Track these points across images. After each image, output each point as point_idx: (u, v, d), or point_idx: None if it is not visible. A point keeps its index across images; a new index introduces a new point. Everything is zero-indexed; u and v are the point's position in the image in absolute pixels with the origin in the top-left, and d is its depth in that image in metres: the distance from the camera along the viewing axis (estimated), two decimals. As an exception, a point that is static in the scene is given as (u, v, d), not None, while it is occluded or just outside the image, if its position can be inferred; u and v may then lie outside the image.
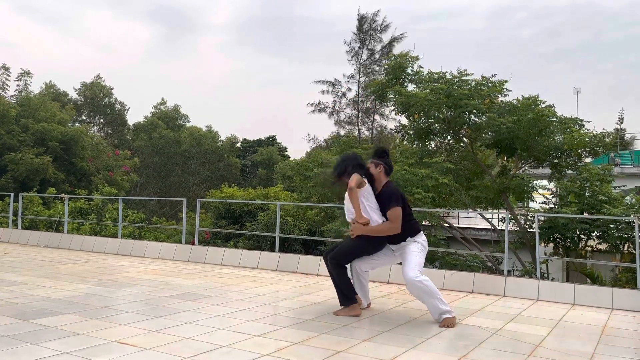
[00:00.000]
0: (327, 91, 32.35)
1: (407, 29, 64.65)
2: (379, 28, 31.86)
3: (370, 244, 5.04)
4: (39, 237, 11.19)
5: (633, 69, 70.45)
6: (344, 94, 32.26)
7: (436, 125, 11.18)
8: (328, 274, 7.42)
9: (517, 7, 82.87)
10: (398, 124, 13.09)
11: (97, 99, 40.33)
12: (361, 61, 31.76)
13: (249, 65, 78.75)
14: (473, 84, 10.90)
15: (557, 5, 78.57)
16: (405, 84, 11.66)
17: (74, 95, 40.23)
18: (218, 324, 4.58)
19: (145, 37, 78.03)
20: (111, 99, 41.22)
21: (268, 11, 77.06)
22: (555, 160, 10.94)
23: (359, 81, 31.65)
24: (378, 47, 31.85)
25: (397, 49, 30.35)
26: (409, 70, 11.58)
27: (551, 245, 10.25)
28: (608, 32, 76.91)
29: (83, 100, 40.41)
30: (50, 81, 38.69)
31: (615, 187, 11.08)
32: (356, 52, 31.83)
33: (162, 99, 42.60)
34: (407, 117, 11.44)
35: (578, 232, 9.82)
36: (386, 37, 31.90)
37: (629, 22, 75.10)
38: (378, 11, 32.11)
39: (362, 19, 31.92)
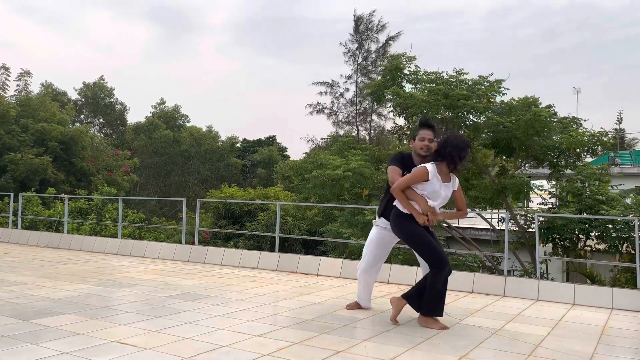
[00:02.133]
0: (325, 92, 32.40)
1: (405, 29, 64.46)
2: (375, 28, 31.90)
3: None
4: (39, 237, 11.19)
5: (632, 70, 70.54)
6: (341, 95, 32.31)
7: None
8: (329, 275, 7.47)
9: (514, 8, 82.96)
10: (395, 125, 13.09)
11: (97, 99, 40.35)
12: (358, 61, 31.78)
13: (247, 66, 78.82)
14: (470, 83, 10.91)
15: (555, 6, 78.65)
16: (403, 84, 11.66)
17: (73, 95, 40.28)
18: (218, 324, 4.58)
19: (144, 37, 78.08)
20: (111, 100, 41.24)
21: (266, 12, 77.10)
22: (554, 160, 10.95)
23: (356, 81, 31.69)
24: (375, 47, 31.90)
25: (394, 48, 30.43)
26: (406, 71, 11.59)
27: (550, 245, 10.27)
28: (607, 32, 77.01)
29: (84, 100, 40.42)
30: (46, 81, 38.71)
31: (612, 187, 11.10)
32: (353, 53, 31.86)
33: (162, 99, 42.63)
34: (406, 118, 11.45)
35: (577, 233, 9.84)
36: (383, 37, 31.96)
37: (627, 23, 75.18)
38: (374, 11, 32.17)
39: (358, 20, 31.94)
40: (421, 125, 4.92)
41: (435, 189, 4.59)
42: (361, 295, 5.32)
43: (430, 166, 4.60)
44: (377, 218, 5.16)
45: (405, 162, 4.86)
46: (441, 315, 4.64)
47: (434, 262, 4.53)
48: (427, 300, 4.60)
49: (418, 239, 4.61)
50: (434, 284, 4.55)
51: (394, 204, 4.74)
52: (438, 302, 4.59)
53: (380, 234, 5.06)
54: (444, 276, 4.56)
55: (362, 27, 31.84)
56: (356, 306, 5.33)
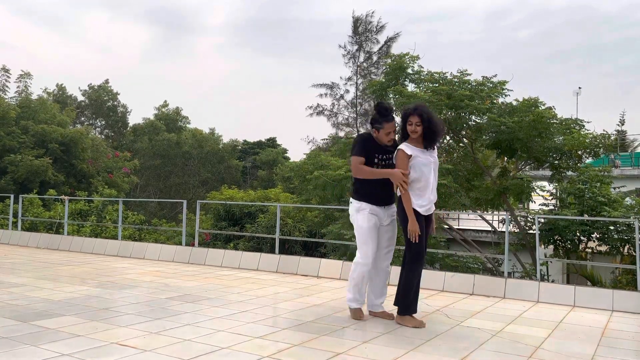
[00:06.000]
0: (326, 94, 32.38)
1: (404, 30, 64.64)
2: (374, 29, 31.85)
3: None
4: (39, 239, 11.19)
5: (630, 71, 70.61)
6: (342, 96, 32.28)
7: None
8: (330, 277, 7.46)
9: (513, 9, 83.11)
10: (397, 125, 13.07)
11: (100, 101, 40.47)
12: (358, 63, 31.74)
13: (246, 67, 78.92)
14: (474, 84, 10.91)
15: (553, 8, 78.80)
16: (406, 83, 11.66)
17: (79, 97, 40.55)
18: (218, 325, 4.57)
19: (142, 38, 78.17)
20: (115, 102, 41.40)
21: (265, 13, 77.25)
22: (556, 162, 10.95)
23: (356, 83, 31.68)
24: (374, 48, 31.85)
25: (394, 49, 30.41)
26: (409, 70, 11.59)
27: (551, 247, 10.26)
28: (605, 34, 77.10)
29: (88, 101, 40.58)
30: (61, 84, 39.11)
31: (614, 188, 11.09)
32: (353, 55, 31.82)
33: (165, 101, 42.64)
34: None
35: (578, 234, 9.83)
36: (382, 38, 31.91)
37: (625, 24, 75.30)
38: (372, 12, 32.05)
39: (357, 21, 31.87)
40: (384, 116, 4.87)
41: (422, 160, 4.69)
42: (360, 292, 4.89)
43: (403, 146, 4.73)
44: (359, 202, 4.82)
45: (369, 149, 4.85)
46: (415, 312, 4.75)
47: (416, 254, 4.65)
48: (403, 297, 4.70)
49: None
50: (409, 280, 4.66)
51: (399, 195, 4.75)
52: (413, 299, 4.71)
53: (373, 220, 4.81)
54: (419, 271, 4.69)
55: (361, 29, 31.80)
56: (358, 315, 4.91)
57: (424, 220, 4.75)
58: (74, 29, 74.41)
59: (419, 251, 4.67)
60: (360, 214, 4.83)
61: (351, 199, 4.98)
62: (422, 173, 4.68)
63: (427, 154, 4.75)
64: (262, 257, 8.34)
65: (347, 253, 12.26)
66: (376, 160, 4.80)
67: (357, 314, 4.90)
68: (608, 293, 6.05)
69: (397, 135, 5.01)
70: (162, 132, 38.10)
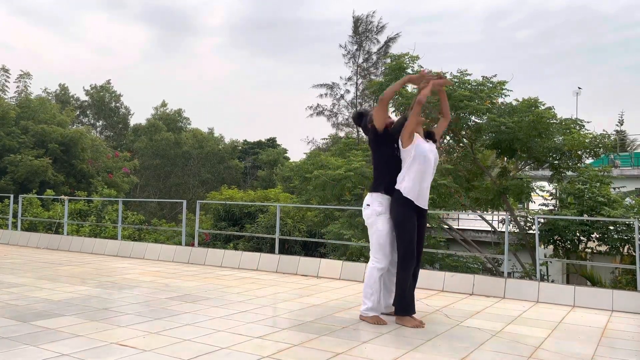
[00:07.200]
0: (326, 94, 32.37)
1: (403, 31, 64.45)
2: (374, 29, 31.84)
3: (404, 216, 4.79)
4: (39, 239, 11.19)
5: (629, 72, 70.65)
6: (342, 96, 32.28)
7: (435, 126, 11.18)
8: (329, 277, 7.46)
9: (513, 10, 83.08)
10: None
11: (103, 102, 40.52)
12: (358, 63, 31.74)
13: (246, 67, 78.83)
14: (474, 84, 10.91)
15: (552, 8, 78.83)
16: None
17: (82, 96, 40.63)
18: (218, 325, 4.57)
19: (142, 39, 78.08)
20: (117, 104, 41.47)
21: (265, 13, 77.13)
22: (556, 162, 10.95)
23: (356, 83, 31.68)
24: (375, 49, 31.85)
25: (394, 49, 30.42)
26: (409, 71, 11.59)
27: (551, 247, 10.26)
28: (604, 34, 77.13)
29: (90, 101, 40.62)
30: (64, 84, 39.27)
31: (614, 189, 11.10)
32: (353, 55, 31.82)
33: (164, 101, 42.63)
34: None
35: (578, 234, 9.83)
36: (382, 39, 31.92)
37: (624, 24, 75.34)
38: (373, 12, 32.04)
39: (357, 21, 31.86)
40: (364, 116, 5.25)
41: (428, 146, 4.82)
42: (379, 300, 4.85)
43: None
44: (381, 206, 4.82)
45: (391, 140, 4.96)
46: (414, 312, 4.78)
47: (406, 252, 4.68)
48: (399, 297, 4.74)
49: (405, 226, 4.72)
50: (402, 278, 4.71)
51: (396, 187, 4.78)
52: (410, 299, 4.75)
53: (390, 224, 4.82)
54: (411, 268, 4.71)
55: (362, 28, 31.80)
56: (379, 320, 4.78)
57: (417, 217, 4.78)
58: (74, 29, 74.41)
59: (409, 248, 4.70)
60: (381, 217, 4.84)
61: (370, 202, 4.88)
62: (426, 159, 4.75)
63: (431, 143, 4.90)
64: (262, 257, 8.34)
65: (346, 253, 12.26)
66: (395, 152, 4.91)
67: (376, 320, 4.76)
68: (608, 293, 6.05)
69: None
70: (163, 132, 38.11)
